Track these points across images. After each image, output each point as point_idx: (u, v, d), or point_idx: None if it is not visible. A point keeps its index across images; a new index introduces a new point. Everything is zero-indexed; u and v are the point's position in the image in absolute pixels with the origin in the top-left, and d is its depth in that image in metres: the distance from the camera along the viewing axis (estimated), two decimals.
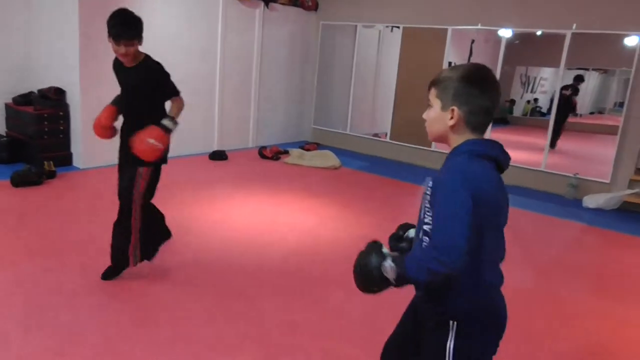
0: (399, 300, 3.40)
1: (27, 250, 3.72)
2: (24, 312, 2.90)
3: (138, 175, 3.14)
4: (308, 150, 8.16)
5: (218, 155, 7.23)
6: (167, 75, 3.14)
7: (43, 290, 3.16)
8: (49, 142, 5.91)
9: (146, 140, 2.97)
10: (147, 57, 3.13)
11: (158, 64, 3.12)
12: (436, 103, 1.57)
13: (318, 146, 8.64)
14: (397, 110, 8.24)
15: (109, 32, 3.00)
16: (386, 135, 8.46)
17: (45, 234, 4.04)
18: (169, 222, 3.62)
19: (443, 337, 1.53)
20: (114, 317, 2.94)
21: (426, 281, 1.42)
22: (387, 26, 8.52)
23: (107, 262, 3.40)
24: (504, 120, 12.60)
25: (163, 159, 3.23)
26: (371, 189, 6.42)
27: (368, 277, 1.50)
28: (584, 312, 3.52)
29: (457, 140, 1.56)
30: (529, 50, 9.86)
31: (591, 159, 8.46)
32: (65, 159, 6.05)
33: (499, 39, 7.22)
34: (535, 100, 13.28)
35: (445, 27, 7.50)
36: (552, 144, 8.77)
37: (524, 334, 3.14)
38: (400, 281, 1.46)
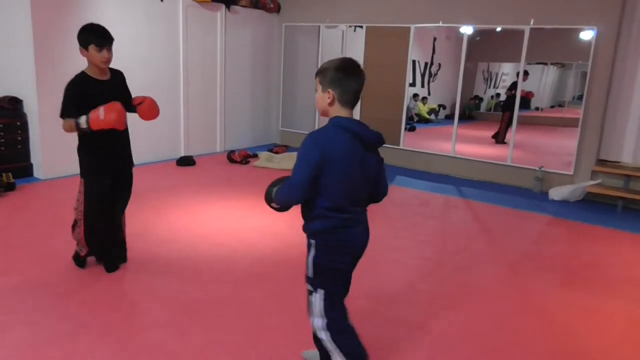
0: (362, 298, 3.39)
1: None
2: None
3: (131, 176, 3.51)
4: (277, 153, 8.10)
5: (185, 161, 7.10)
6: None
7: (2, 308, 3.02)
8: (7, 153, 5.70)
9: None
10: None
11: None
12: (319, 87, 2.12)
13: (287, 148, 8.59)
14: (364, 109, 8.25)
15: (88, 41, 2.97)
16: None
17: (4, 249, 3.88)
18: (137, 229, 3.53)
19: (309, 251, 2.32)
20: (77, 328, 2.83)
21: (284, 205, 2.22)
22: (350, 26, 8.54)
23: (69, 277, 3.28)
24: (470, 116, 12.85)
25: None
26: None
27: (267, 197, 2.30)
28: (554, 304, 3.57)
29: (332, 114, 2.13)
30: (490, 46, 10.08)
31: (555, 151, 8.69)
32: (25, 170, 5.84)
33: (460, 36, 7.32)
34: (498, 95, 13.59)
35: (408, 25, 7.56)
36: (501, 139, 9.10)
37: (494, 328, 3.17)
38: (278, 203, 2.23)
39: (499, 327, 3.18)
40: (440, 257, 4.34)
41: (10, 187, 5.28)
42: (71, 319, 2.95)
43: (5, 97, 5.81)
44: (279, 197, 2.18)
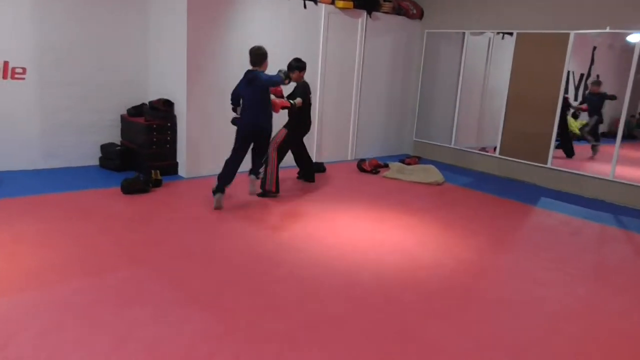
0: (495, 340, 2.95)
1: (127, 257, 3.80)
2: (113, 322, 2.91)
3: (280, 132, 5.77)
4: (409, 164, 7.80)
5: (316, 168, 7.11)
6: None
7: (134, 300, 3.16)
8: (157, 152, 6.15)
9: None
10: None
11: None
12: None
13: (419, 160, 8.25)
14: (508, 122, 7.62)
15: (300, 68, 5.86)
16: (495, 149, 7.86)
17: (146, 243, 4.13)
18: (264, 234, 3.51)
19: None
20: (200, 328, 2.84)
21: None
22: (497, 33, 7.95)
23: (197, 276, 3.36)
24: (631, 135, 11.31)
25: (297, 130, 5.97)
26: (477, 208, 5.92)
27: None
28: None
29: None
30: None
31: None
32: (171, 168, 6.26)
33: (627, 45, 6.41)
34: None
35: (567, 31, 6.80)
36: None
37: None
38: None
39: None
40: (595, 297, 3.73)
41: (157, 184, 5.68)
42: (191, 322, 2.99)
43: (160, 100, 6.30)
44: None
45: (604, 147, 8.25)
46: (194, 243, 4.19)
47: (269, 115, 5.16)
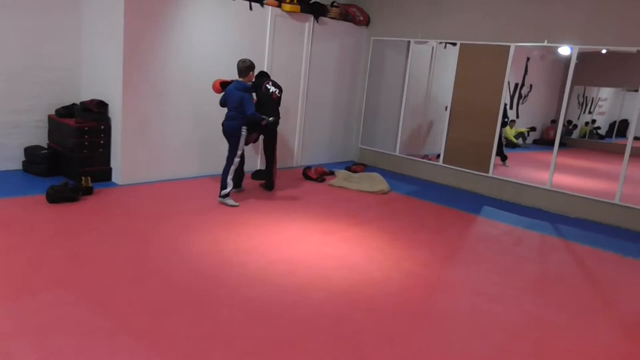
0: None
1: (49, 278, 3.43)
2: (29, 356, 2.57)
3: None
4: (355, 171, 7.72)
5: (260, 175, 6.88)
6: None
7: (56, 329, 2.83)
8: (89, 156, 5.72)
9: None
10: None
11: None
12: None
13: (365, 167, 8.19)
14: (452, 131, 7.71)
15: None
16: (438, 157, 7.93)
17: (72, 260, 3.75)
18: (202, 247, 3.26)
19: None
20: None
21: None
22: (440, 42, 8.04)
23: (129, 298, 3.06)
24: (561, 143, 11.84)
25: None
26: (423, 217, 5.91)
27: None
28: None
29: None
30: (590, 69, 9.18)
31: None
32: (104, 174, 5.84)
33: (557, 57, 6.66)
34: (594, 121, 12.50)
35: (507, 44, 6.95)
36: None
37: None
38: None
39: None
40: (541, 310, 3.74)
41: (88, 192, 5.25)
42: (121, 355, 2.70)
43: (93, 101, 5.86)
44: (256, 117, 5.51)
45: (538, 154, 8.54)
46: (127, 260, 3.86)
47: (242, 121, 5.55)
